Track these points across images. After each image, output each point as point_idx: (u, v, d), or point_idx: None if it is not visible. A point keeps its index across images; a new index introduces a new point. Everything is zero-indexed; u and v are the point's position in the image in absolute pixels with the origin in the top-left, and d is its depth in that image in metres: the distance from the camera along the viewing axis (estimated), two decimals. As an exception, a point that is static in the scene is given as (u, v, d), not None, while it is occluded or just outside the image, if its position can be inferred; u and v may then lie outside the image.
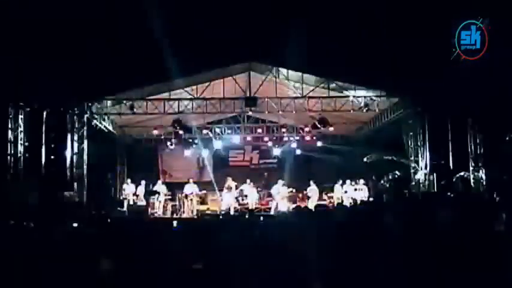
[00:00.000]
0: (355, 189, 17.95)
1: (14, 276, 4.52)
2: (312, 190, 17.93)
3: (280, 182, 17.79)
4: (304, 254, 4.25)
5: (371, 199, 17.54)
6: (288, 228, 5.31)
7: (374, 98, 16.41)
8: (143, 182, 17.90)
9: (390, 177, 18.73)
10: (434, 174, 15.97)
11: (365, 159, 20.40)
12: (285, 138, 21.14)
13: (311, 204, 16.60)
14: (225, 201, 17.22)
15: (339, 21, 16.56)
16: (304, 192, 18.33)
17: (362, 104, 16.17)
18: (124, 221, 11.23)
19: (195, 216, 16.43)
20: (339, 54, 15.33)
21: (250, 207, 16.88)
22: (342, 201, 17.13)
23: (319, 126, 17.14)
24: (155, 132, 19.01)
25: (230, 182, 17.71)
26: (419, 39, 14.32)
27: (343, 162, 20.90)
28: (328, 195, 18.40)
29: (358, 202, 14.31)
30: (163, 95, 16.11)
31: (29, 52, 13.90)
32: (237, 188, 17.82)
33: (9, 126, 14.76)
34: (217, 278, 4.36)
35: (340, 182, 18.15)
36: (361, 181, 18.05)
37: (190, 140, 20.42)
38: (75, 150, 15.49)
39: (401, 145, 17.11)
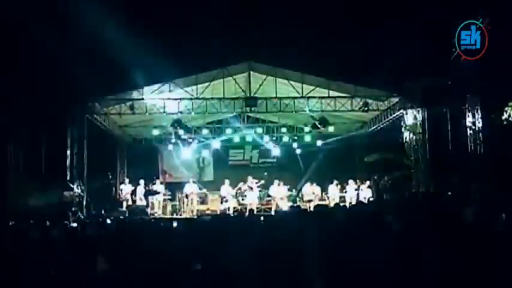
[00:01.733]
0: (356, 189, 17.95)
1: (14, 276, 4.52)
2: (311, 190, 17.91)
3: (276, 181, 17.74)
4: (304, 254, 4.25)
5: (371, 199, 17.56)
6: (287, 228, 5.31)
7: (374, 98, 16.43)
8: (142, 182, 17.89)
9: (390, 177, 18.76)
10: (434, 174, 15.97)
11: (365, 159, 20.43)
12: (285, 138, 21.20)
13: (309, 204, 16.64)
14: (248, 200, 17.15)
15: (339, 21, 16.58)
16: (303, 192, 18.32)
17: (362, 104, 16.18)
18: (124, 221, 11.21)
19: (195, 216, 16.41)
20: (339, 54, 15.36)
21: (250, 207, 16.84)
22: (344, 201, 17.14)
23: (319, 126, 17.16)
24: (155, 132, 19.04)
25: (251, 181, 17.63)
26: (419, 39, 14.34)
27: (343, 162, 20.91)
28: (328, 195, 18.40)
29: (359, 202, 14.30)
30: (163, 95, 16.11)
31: (29, 51, 13.91)
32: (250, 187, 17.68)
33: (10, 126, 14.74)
34: (216, 279, 4.36)
35: (335, 182, 18.15)
36: (367, 182, 18.11)
37: (190, 140, 20.45)
38: (75, 150, 15.47)
39: (401, 145, 17.11)
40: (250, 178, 17.73)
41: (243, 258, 4.43)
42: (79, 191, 15.27)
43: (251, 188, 17.37)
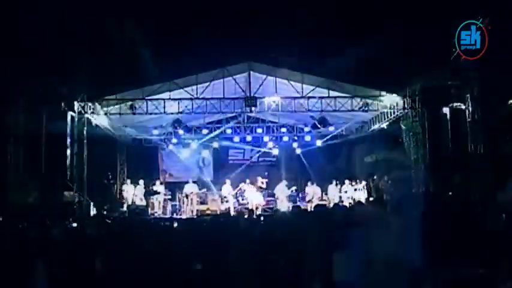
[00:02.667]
0: (355, 190, 17.95)
1: (14, 276, 4.51)
2: (311, 190, 17.91)
3: (284, 182, 17.80)
4: (304, 254, 4.25)
5: (371, 199, 17.54)
6: (287, 228, 5.31)
7: (374, 98, 16.44)
8: (141, 182, 17.90)
9: (390, 177, 18.74)
10: (434, 174, 15.96)
11: (365, 159, 20.40)
12: (285, 138, 21.21)
13: (309, 204, 16.64)
14: (256, 201, 17.16)
15: (339, 21, 16.58)
16: (304, 192, 18.32)
17: (362, 104, 16.19)
18: (124, 221, 11.22)
19: (195, 216, 16.42)
20: (339, 54, 15.34)
21: (250, 207, 16.84)
22: (342, 201, 17.13)
23: (319, 126, 17.16)
24: (155, 132, 19.03)
25: (261, 180, 17.67)
26: (419, 39, 14.34)
27: (343, 162, 20.89)
28: (327, 195, 18.40)
29: (359, 202, 14.28)
30: (163, 95, 16.10)
31: (29, 51, 13.90)
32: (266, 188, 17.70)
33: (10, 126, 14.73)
34: (217, 278, 4.36)
35: (334, 182, 18.16)
36: (364, 182, 18.09)
37: (190, 140, 20.46)
38: (75, 150, 15.46)
39: (401, 145, 17.10)
40: (259, 178, 17.83)
41: (243, 258, 4.43)
42: (79, 191, 15.26)
43: (260, 188, 17.43)
